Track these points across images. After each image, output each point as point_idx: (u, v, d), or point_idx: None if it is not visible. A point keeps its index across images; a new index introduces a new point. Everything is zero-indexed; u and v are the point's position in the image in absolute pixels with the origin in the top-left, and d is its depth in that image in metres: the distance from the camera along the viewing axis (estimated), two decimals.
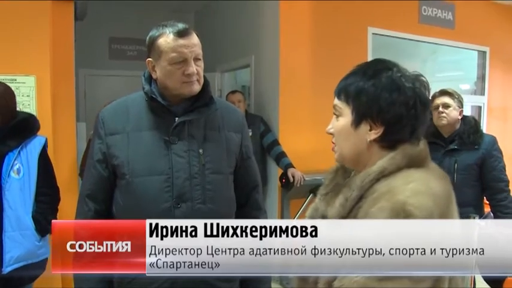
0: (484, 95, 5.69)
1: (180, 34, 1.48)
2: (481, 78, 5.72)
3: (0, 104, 2.21)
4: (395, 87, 1.04)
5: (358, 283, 0.93)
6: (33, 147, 2.27)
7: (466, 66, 5.80)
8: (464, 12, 5.24)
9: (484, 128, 5.55)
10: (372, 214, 0.96)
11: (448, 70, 5.73)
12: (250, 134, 3.70)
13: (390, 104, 1.03)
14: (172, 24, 1.51)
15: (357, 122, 1.07)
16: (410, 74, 1.09)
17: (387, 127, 1.04)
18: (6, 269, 2.12)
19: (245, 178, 1.70)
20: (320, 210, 1.13)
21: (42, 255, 2.28)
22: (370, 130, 1.06)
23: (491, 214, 2.72)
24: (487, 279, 2.84)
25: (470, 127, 2.79)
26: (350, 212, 1.03)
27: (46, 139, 2.36)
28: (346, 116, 1.09)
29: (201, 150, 1.54)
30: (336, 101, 1.12)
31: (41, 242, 2.26)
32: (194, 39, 1.51)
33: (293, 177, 3.76)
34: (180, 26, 1.50)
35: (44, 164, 2.31)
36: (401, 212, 0.92)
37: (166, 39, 1.48)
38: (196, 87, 1.53)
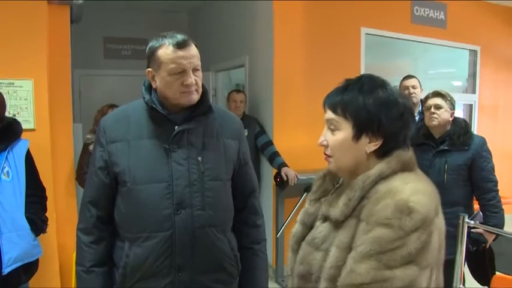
0: (475, 93, 5.78)
1: (179, 46, 1.51)
2: (472, 76, 5.80)
3: None
4: (393, 103, 1.14)
5: (370, 274, 0.99)
6: (19, 150, 2.32)
7: (458, 64, 5.88)
8: (456, 11, 5.32)
9: (475, 125, 5.64)
10: (377, 211, 1.03)
11: (440, 67, 5.81)
12: (246, 134, 3.76)
13: (389, 119, 1.13)
14: (171, 35, 1.53)
15: (357, 136, 1.14)
16: (397, 90, 1.20)
17: (386, 139, 1.13)
18: (6, 270, 2.15)
19: (243, 184, 1.75)
20: (321, 211, 1.20)
21: (37, 254, 2.34)
22: (370, 142, 1.14)
23: (481, 213, 2.79)
24: (476, 277, 2.92)
25: (460, 128, 2.85)
26: (353, 211, 1.10)
27: (28, 142, 2.41)
28: (345, 130, 1.15)
29: (200, 158, 1.58)
30: (332, 115, 1.17)
31: (35, 242, 2.31)
32: (193, 50, 1.54)
33: (286, 176, 3.82)
34: (179, 37, 1.52)
35: (30, 165, 2.36)
36: (405, 209, 1.00)
37: (166, 50, 1.51)
38: (195, 97, 1.57)
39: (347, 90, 1.16)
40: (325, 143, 1.20)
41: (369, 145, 1.14)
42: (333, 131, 1.18)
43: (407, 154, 1.16)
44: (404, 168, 1.13)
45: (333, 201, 1.16)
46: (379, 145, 1.14)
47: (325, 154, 1.21)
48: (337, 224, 1.13)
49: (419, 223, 1.00)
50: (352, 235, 1.07)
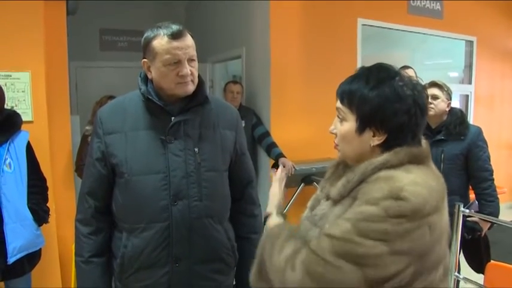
0: (471, 83, 5.79)
1: (174, 36, 1.50)
2: (469, 67, 5.81)
3: None
4: (398, 98, 1.09)
5: (342, 231, 1.00)
6: (19, 142, 2.33)
7: (454, 54, 5.89)
8: (452, 2, 5.31)
9: (471, 116, 5.66)
10: (370, 191, 1.03)
11: (436, 58, 5.81)
12: (243, 125, 3.77)
13: (393, 114, 1.09)
14: (166, 25, 1.52)
15: (361, 129, 1.13)
16: (409, 81, 1.14)
17: (390, 134, 1.11)
18: (11, 260, 2.19)
19: (240, 174, 1.75)
20: (325, 190, 1.24)
21: (40, 244, 2.38)
22: (374, 136, 1.12)
23: (476, 202, 2.82)
24: (471, 265, 2.95)
25: (456, 118, 2.86)
26: (350, 193, 1.11)
27: (28, 133, 2.43)
28: (350, 121, 1.14)
29: (196, 149, 1.58)
30: (339, 105, 1.17)
31: (38, 231, 2.34)
32: (188, 40, 1.53)
33: (284, 166, 3.83)
34: (174, 27, 1.51)
35: (30, 156, 2.38)
36: (396, 196, 0.98)
37: (161, 41, 1.50)
38: (191, 88, 1.56)
39: (355, 80, 1.14)
40: (335, 131, 1.20)
41: (373, 139, 1.12)
42: (341, 120, 1.17)
43: (419, 148, 1.13)
44: (413, 160, 1.10)
45: (334, 181, 1.20)
46: (383, 140, 1.11)
47: (335, 142, 1.22)
48: (335, 203, 1.15)
49: (406, 213, 0.97)
50: (345, 211, 1.08)
